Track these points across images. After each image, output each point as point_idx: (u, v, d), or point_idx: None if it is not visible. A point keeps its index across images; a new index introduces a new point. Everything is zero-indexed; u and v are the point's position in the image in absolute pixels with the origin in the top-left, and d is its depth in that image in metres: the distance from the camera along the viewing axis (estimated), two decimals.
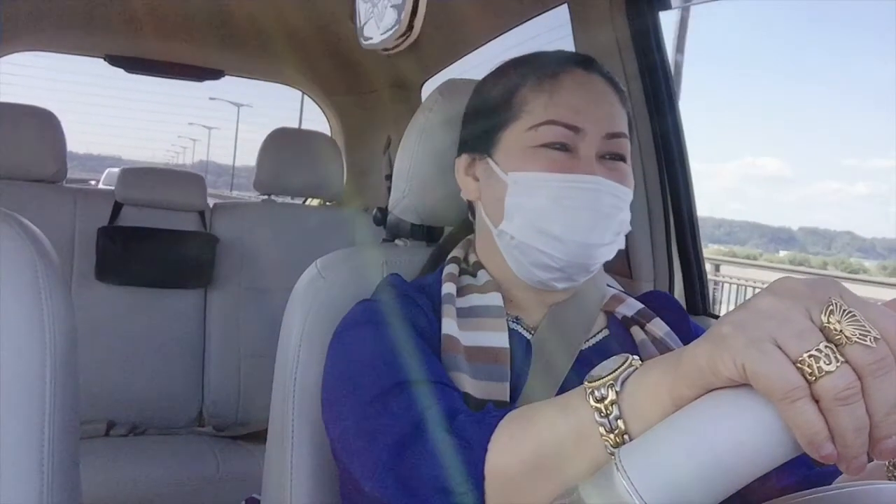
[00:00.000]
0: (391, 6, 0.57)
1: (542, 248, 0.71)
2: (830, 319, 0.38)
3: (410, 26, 0.55)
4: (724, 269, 8.75)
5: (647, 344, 0.76)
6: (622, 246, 0.74)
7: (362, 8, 0.62)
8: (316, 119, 2.67)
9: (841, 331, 0.37)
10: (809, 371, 0.37)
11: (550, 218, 0.70)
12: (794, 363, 0.37)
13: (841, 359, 0.37)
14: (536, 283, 0.74)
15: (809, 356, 0.37)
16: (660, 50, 1.31)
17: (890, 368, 0.37)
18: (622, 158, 0.73)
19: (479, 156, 0.77)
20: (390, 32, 0.57)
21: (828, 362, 0.37)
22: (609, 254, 0.73)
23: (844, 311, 0.38)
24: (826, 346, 0.37)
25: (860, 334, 0.37)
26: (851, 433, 0.37)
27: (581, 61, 0.76)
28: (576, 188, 0.70)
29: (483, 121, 0.77)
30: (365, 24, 0.62)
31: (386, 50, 0.59)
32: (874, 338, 0.37)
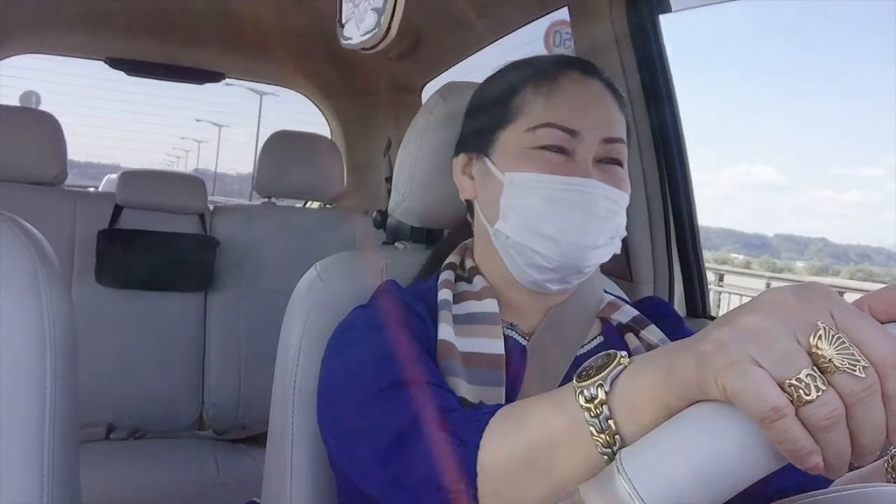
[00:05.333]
0: (371, 9, 0.57)
1: (537, 248, 0.71)
2: (819, 345, 0.37)
3: (389, 28, 0.56)
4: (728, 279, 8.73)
5: (642, 351, 0.76)
6: (618, 250, 0.75)
7: (345, 7, 0.62)
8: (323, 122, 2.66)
9: (830, 359, 0.37)
10: (790, 397, 0.37)
11: (545, 218, 0.70)
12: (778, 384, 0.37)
13: (824, 387, 0.37)
14: (531, 284, 0.75)
15: (790, 385, 0.37)
16: (660, 52, 1.32)
17: (876, 395, 0.37)
18: (619, 163, 0.74)
19: (475, 155, 0.78)
20: (369, 35, 0.57)
21: (807, 392, 0.37)
22: (603, 257, 0.73)
23: (833, 335, 0.37)
24: (808, 375, 0.37)
25: (849, 364, 0.37)
26: (832, 455, 0.37)
27: (580, 65, 0.76)
28: (572, 190, 0.70)
29: (481, 121, 0.78)
30: (346, 23, 0.62)
31: (364, 49, 0.59)
32: (863, 367, 0.37)
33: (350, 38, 0.61)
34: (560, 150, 0.71)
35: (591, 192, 0.70)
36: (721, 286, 8.17)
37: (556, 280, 0.73)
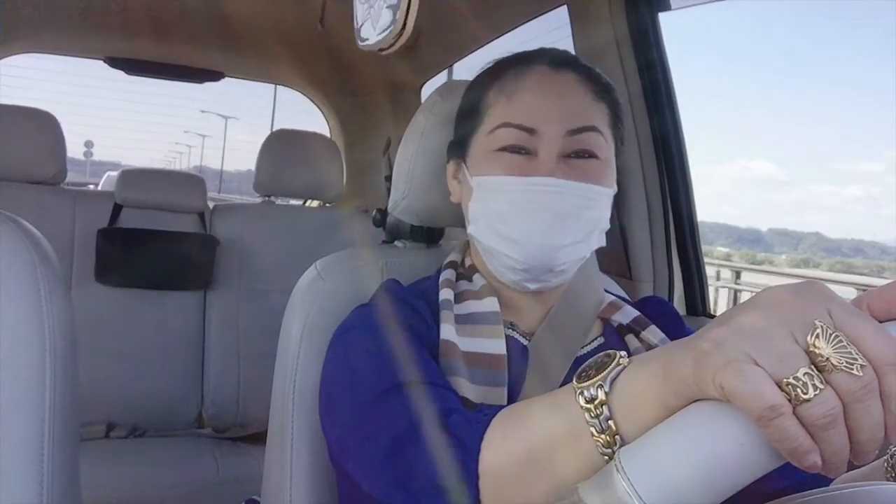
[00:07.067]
0: (387, 7, 0.57)
1: (503, 250, 0.71)
2: (817, 344, 0.37)
3: (405, 25, 0.56)
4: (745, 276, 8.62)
5: (642, 352, 0.76)
6: (600, 244, 0.74)
7: (359, 9, 0.62)
8: (315, 122, 2.68)
9: (827, 358, 0.37)
10: (788, 396, 0.37)
11: (506, 221, 0.71)
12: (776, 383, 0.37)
13: (821, 386, 0.37)
14: (512, 283, 0.75)
15: (787, 384, 0.37)
16: (659, 51, 1.31)
17: (874, 394, 0.37)
18: (591, 155, 0.72)
19: (459, 161, 0.79)
20: (386, 32, 0.57)
21: (804, 391, 0.37)
22: (576, 253, 0.72)
23: (831, 334, 0.37)
24: (806, 374, 0.37)
25: (846, 362, 0.37)
26: (831, 454, 0.37)
27: (551, 59, 0.75)
28: (533, 191, 0.70)
29: (460, 126, 0.79)
30: (362, 25, 0.62)
31: (381, 49, 0.59)
32: (860, 365, 0.37)
33: (367, 39, 0.61)
34: (521, 150, 0.71)
35: (554, 191, 0.69)
36: (738, 283, 8.10)
37: (530, 280, 0.73)
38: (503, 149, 0.71)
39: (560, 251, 0.71)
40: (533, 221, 0.70)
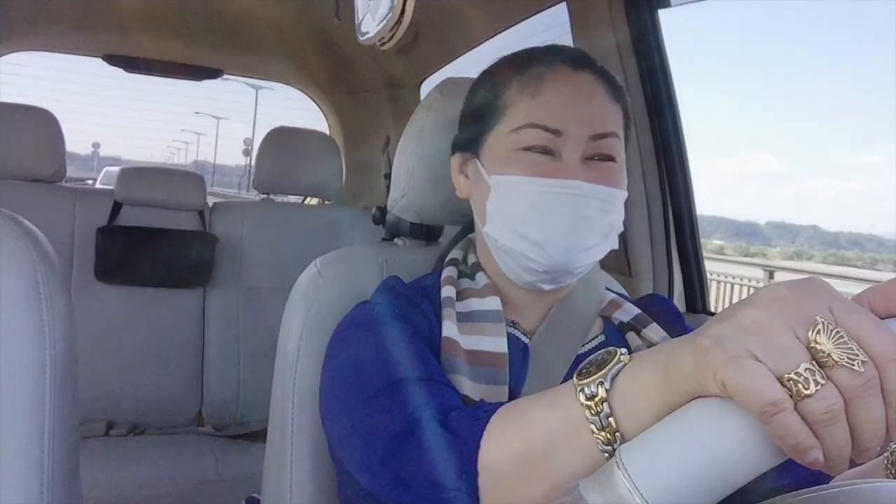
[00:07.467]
0: None
1: (524, 251, 0.71)
2: (818, 339, 0.37)
3: (402, 12, 0.55)
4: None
5: (643, 350, 0.76)
6: (614, 246, 0.74)
7: (360, 2, 0.62)
8: (312, 118, 2.69)
9: (828, 354, 0.37)
10: (789, 392, 0.37)
11: (530, 223, 0.70)
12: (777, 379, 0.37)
13: (823, 381, 0.37)
14: (525, 284, 0.74)
15: (788, 379, 0.37)
16: (659, 49, 1.31)
17: (875, 390, 0.37)
18: (611, 158, 0.72)
19: (469, 156, 0.78)
20: (384, 21, 0.57)
21: (806, 386, 0.36)
22: (595, 255, 0.72)
23: (832, 330, 0.37)
24: (807, 369, 0.37)
25: (848, 358, 0.36)
26: (832, 450, 0.37)
27: (570, 59, 0.75)
28: (556, 193, 0.69)
29: (472, 121, 0.77)
30: (363, 18, 0.62)
31: (381, 43, 0.59)
32: (861, 361, 0.36)
33: (368, 33, 0.60)
34: (545, 150, 0.70)
35: (577, 194, 0.69)
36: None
37: (547, 281, 0.73)
38: (527, 149, 0.70)
39: (581, 253, 0.70)
40: (557, 223, 0.69)
